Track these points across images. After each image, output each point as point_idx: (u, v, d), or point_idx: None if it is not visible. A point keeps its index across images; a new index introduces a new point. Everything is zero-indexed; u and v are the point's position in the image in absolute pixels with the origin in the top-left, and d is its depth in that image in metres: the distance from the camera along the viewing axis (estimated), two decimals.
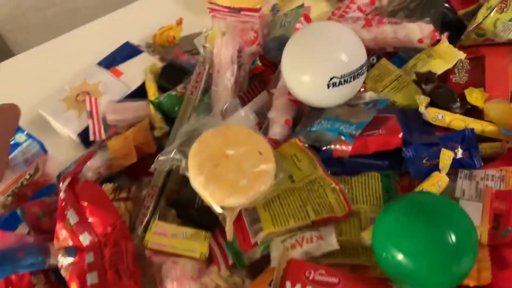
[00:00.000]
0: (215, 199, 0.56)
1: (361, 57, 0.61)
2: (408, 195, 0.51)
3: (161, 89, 0.79)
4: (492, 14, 0.66)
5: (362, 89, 0.68)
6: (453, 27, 0.74)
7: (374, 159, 0.62)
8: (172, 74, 0.80)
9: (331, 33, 0.61)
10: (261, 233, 0.56)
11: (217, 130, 0.59)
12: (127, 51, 0.81)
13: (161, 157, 0.58)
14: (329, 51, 0.59)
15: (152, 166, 0.59)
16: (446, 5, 0.75)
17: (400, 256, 0.46)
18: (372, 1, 0.84)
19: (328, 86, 0.59)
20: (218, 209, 0.55)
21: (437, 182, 0.56)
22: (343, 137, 0.57)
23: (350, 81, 0.59)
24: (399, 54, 0.75)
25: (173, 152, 0.57)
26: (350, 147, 0.57)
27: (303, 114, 0.68)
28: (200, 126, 0.60)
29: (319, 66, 0.59)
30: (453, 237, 0.46)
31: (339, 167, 0.62)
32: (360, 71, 0.60)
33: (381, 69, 0.70)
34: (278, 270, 0.51)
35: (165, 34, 0.90)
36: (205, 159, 0.57)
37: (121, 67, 0.79)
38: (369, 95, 0.68)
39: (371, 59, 0.73)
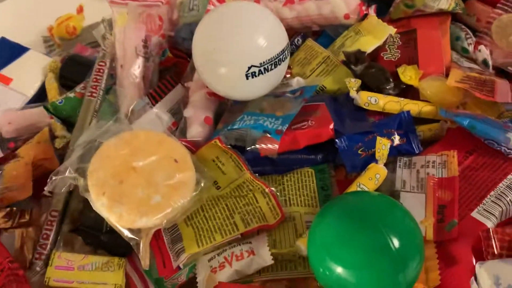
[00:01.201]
0: (123, 222, 0.47)
1: (282, 41, 0.53)
2: (342, 198, 0.45)
3: (67, 89, 0.69)
4: None
5: (288, 75, 0.62)
6: (381, 0, 0.69)
7: (307, 154, 0.55)
8: (75, 69, 0.69)
9: (245, 16, 0.53)
10: (183, 255, 0.48)
11: (121, 139, 0.50)
12: (7, 51, 0.68)
13: (54, 178, 0.49)
14: (244, 37, 0.51)
15: (46, 189, 0.49)
16: None
17: (339, 270, 0.40)
18: None
19: (247, 77, 0.51)
20: (127, 234, 0.47)
21: (374, 175, 0.50)
22: (268, 135, 0.50)
23: (271, 69, 0.52)
24: (326, 32, 0.69)
25: (68, 170, 0.48)
26: (277, 145, 0.50)
27: (225, 109, 0.61)
28: (101, 134, 0.50)
29: (234, 55, 0.51)
30: (396, 242, 0.40)
31: (269, 165, 0.55)
32: (281, 56, 0.52)
33: (307, 51, 0.63)
34: None
35: (63, 25, 0.78)
36: (107, 176, 0.48)
37: (7, 71, 0.67)
38: (297, 81, 0.60)
39: (295, 40, 0.66)
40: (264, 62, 0.51)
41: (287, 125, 0.51)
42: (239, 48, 0.51)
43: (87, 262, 0.50)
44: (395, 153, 0.54)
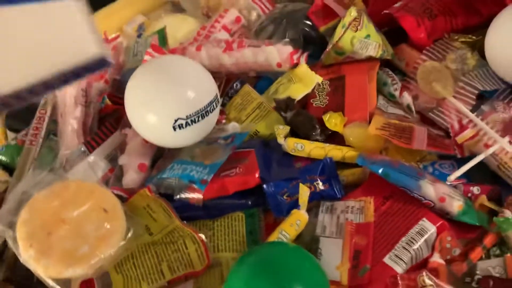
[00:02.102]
0: (50, 273, 0.48)
1: (209, 93, 0.56)
2: (257, 250, 0.47)
3: (15, 132, 0.70)
4: (347, 32, 0.64)
5: (224, 120, 0.64)
6: (317, 45, 0.72)
7: (238, 198, 0.58)
8: (23, 112, 0.71)
9: (174, 69, 0.56)
10: None
11: (51, 190, 0.52)
12: None
13: None
14: (171, 90, 0.54)
15: None
16: (308, 22, 0.73)
17: None
18: (238, 19, 0.80)
19: (174, 129, 0.54)
20: (53, 284, 0.48)
21: (295, 222, 0.53)
22: (194, 185, 0.53)
23: (198, 121, 0.54)
24: (267, 76, 0.73)
25: None
26: (201, 195, 0.52)
27: (162, 155, 0.63)
28: (34, 186, 0.52)
29: (162, 107, 0.54)
30: None
31: (202, 210, 0.57)
32: (209, 108, 0.55)
33: (244, 97, 0.66)
34: None
35: None
36: (35, 228, 0.49)
37: None
38: (232, 127, 0.63)
39: (234, 85, 0.70)
40: (191, 115, 0.54)
41: (212, 174, 0.54)
42: (166, 100, 0.54)
43: None
44: (318, 198, 0.56)
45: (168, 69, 0.56)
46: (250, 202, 0.58)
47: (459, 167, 0.58)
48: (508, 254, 0.48)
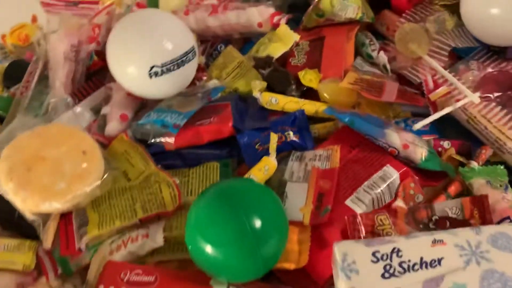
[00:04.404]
0: (27, 205, 0.51)
1: (185, 44, 0.58)
2: (216, 185, 0.49)
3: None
4: None
5: (205, 77, 0.67)
6: (302, 11, 0.74)
7: (214, 149, 0.60)
8: (17, 73, 0.75)
9: (150, 21, 0.58)
10: (85, 237, 0.53)
11: (33, 132, 0.55)
12: None
13: None
14: (146, 39, 0.56)
15: None
16: None
17: (207, 248, 0.45)
18: None
19: (150, 76, 0.56)
20: (30, 216, 0.51)
21: (264, 167, 0.54)
22: (166, 129, 0.55)
23: (173, 70, 0.57)
24: (253, 40, 0.75)
25: None
26: (173, 138, 0.55)
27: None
28: (18, 129, 0.56)
29: (138, 56, 0.56)
30: (256, 223, 0.44)
31: (179, 159, 0.60)
32: (184, 58, 0.58)
33: (226, 57, 0.68)
34: (90, 274, 0.48)
35: (16, 33, 0.85)
36: (16, 163, 0.52)
37: None
38: (213, 84, 0.66)
39: (218, 46, 0.72)
40: (166, 63, 0.57)
41: (186, 119, 0.56)
42: (142, 49, 0.56)
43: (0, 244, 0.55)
44: (289, 148, 0.58)
45: (144, 20, 0.58)
46: (225, 153, 0.60)
47: (432, 123, 0.59)
48: (465, 197, 0.49)
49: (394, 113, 0.62)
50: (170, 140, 0.55)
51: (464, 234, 0.43)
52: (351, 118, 0.54)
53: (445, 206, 0.48)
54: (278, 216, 0.46)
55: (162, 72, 0.56)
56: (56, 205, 0.52)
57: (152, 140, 0.56)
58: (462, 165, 0.56)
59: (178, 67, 0.57)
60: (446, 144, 0.58)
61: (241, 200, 0.45)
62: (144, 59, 0.56)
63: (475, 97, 0.55)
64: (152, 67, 0.56)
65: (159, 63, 0.56)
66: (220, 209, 0.45)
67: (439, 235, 0.43)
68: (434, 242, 0.43)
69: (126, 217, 0.54)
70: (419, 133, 0.58)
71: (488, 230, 0.43)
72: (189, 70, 0.59)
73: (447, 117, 0.60)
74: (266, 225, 0.45)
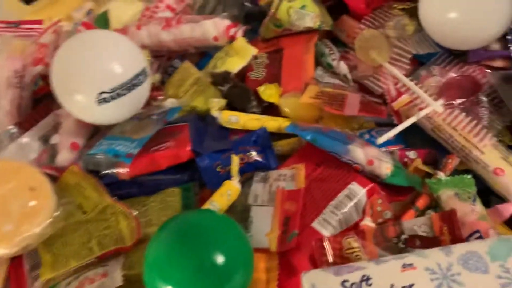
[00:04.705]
0: None
1: (135, 66, 0.55)
2: (173, 220, 0.46)
3: None
4: (283, 3, 0.64)
5: (160, 97, 0.64)
6: (259, 20, 0.71)
7: (173, 174, 0.57)
8: None
9: (95, 43, 0.54)
10: (38, 281, 0.49)
11: None
12: None
13: None
14: (92, 64, 0.53)
15: None
16: None
17: None
18: None
19: (99, 103, 0.53)
20: None
21: (226, 192, 0.52)
22: (119, 159, 0.52)
23: (124, 94, 0.53)
24: (210, 53, 0.72)
25: None
26: (127, 169, 0.52)
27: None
28: None
29: (84, 82, 0.52)
30: (219, 259, 0.42)
31: (136, 187, 0.56)
32: (135, 81, 0.54)
33: (182, 73, 0.65)
34: None
35: None
36: None
37: None
38: (170, 103, 0.63)
39: (174, 62, 0.69)
40: (115, 88, 0.53)
41: (139, 148, 0.53)
42: (88, 74, 0.53)
43: None
44: (252, 168, 0.56)
45: (89, 43, 0.55)
46: (186, 177, 0.57)
47: (397, 133, 0.58)
48: (433, 213, 0.48)
49: (358, 124, 0.60)
50: (123, 170, 0.51)
51: (434, 256, 0.41)
52: (314, 136, 0.52)
53: (414, 224, 0.46)
54: (241, 248, 0.44)
55: (112, 98, 0.53)
56: (2, 251, 0.48)
57: (105, 171, 0.53)
58: (430, 175, 0.55)
59: (129, 91, 0.54)
60: (411, 154, 0.56)
61: (200, 235, 0.42)
62: (91, 85, 0.52)
63: (437, 106, 0.54)
64: (100, 93, 0.52)
65: (107, 88, 0.52)
66: (179, 247, 0.42)
67: (409, 258, 0.42)
68: (404, 266, 0.41)
69: (81, 255, 0.50)
70: (385, 144, 0.57)
71: (459, 250, 0.41)
72: (141, 93, 0.56)
73: (413, 125, 0.58)
74: (229, 259, 0.42)
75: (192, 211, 0.49)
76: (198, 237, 0.42)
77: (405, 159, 0.56)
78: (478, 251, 0.41)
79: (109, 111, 0.54)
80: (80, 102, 0.53)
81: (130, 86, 0.54)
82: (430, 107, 0.54)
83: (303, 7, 0.64)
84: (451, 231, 0.46)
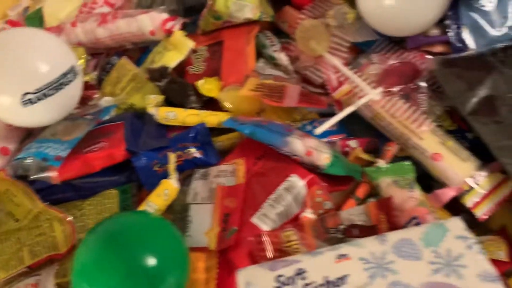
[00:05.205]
0: None
1: (63, 64, 0.52)
2: (102, 224, 0.44)
3: None
4: None
5: (96, 96, 0.61)
6: (199, 11, 0.69)
7: (110, 175, 0.55)
8: None
9: (18, 42, 0.51)
10: None
11: None
12: None
13: None
14: (15, 63, 0.50)
15: None
16: None
17: None
18: None
19: (24, 104, 0.50)
20: None
21: (163, 192, 0.50)
22: (47, 162, 0.49)
23: (51, 94, 0.51)
24: (150, 48, 0.70)
25: None
26: (56, 172, 0.49)
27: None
28: None
29: (6, 82, 0.49)
30: (152, 261, 0.40)
31: (72, 191, 0.54)
32: (64, 80, 0.52)
33: (119, 70, 0.63)
34: None
35: None
36: None
37: None
38: (106, 102, 0.60)
39: (111, 59, 0.66)
40: (40, 88, 0.50)
41: (69, 150, 0.50)
42: (12, 74, 0.50)
43: None
44: (192, 165, 0.54)
45: (12, 42, 0.51)
46: (123, 178, 0.55)
47: (339, 122, 0.57)
48: (370, 201, 0.47)
49: (300, 115, 0.59)
50: (53, 174, 0.49)
51: (369, 245, 0.41)
52: (252, 129, 0.51)
53: (351, 213, 0.46)
54: (174, 249, 0.42)
55: (38, 99, 0.50)
56: None
57: (35, 176, 0.50)
58: (371, 163, 0.54)
59: (57, 90, 0.51)
60: (353, 143, 0.56)
61: (129, 238, 0.40)
62: (14, 85, 0.49)
63: (375, 94, 0.54)
64: (24, 94, 0.49)
65: (32, 89, 0.49)
66: (106, 252, 0.40)
67: (344, 249, 0.41)
68: (339, 257, 0.40)
69: (10, 266, 0.48)
70: (327, 133, 0.56)
71: (393, 237, 0.41)
72: (71, 93, 0.53)
73: (354, 114, 0.58)
74: (161, 262, 0.41)
75: (120, 214, 0.47)
76: (126, 240, 0.40)
77: (347, 149, 0.56)
78: (412, 238, 0.41)
79: (36, 113, 0.51)
80: (4, 104, 0.50)
81: (57, 85, 0.51)
82: (368, 96, 0.53)
83: None
84: (388, 219, 0.45)
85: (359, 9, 0.61)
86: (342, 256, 0.40)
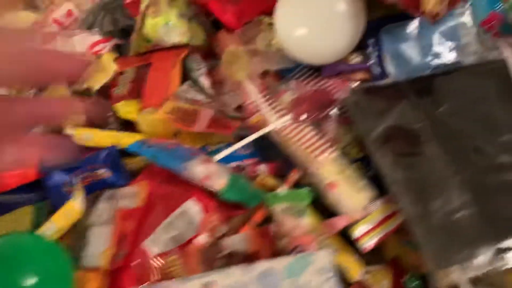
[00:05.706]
0: None
1: None
2: None
3: None
4: (147, 19, 0.64)
5: None
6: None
7: (25, 192, 0.57)
8: None
9: None
10: None
11: None
12: None
13: None
14: None
15: None
16: (126, 11, 0.72)
17: None
18: (69, 13, 0.79)
19: None
20: None
21: (65, 212, 0.52)
22: None
23: None
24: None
25: None
26: None
27: None
28: None
29: None
30: (30, 282, 0.42)
31: None
32: None
33: (50, 91, 0.65)
34: None
35: None
36: None
37: None
38: None
39: None
40: None
41: None
42: None
43: None
44: (101, 186, 0.56)
45: None
46: (38, 196, 0.57)
47: (253, 147, 0.59)
48: (253, 229, 0.48)
49: (218, 138, 0.61)
50: None
51: (237, 274, 0.42)
52: (154, 153, 0.53)
53: (234, 240, 0.48)
54: (57, 270, 0.44)
55: None
56: None
57: None
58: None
59: None
60: (262, 167, 0.57)
61: (8, 260, 0.43)
62: None
63: (279, 122, 0.55)
64: None
65: None
66: None
67: (213, 277, 0.43)
68: (206, 284, 0.42)
69: None
70: (241, 158, 0.58)
71: (259, 267, 0.43)
72: None
73: (269, 139, 0.59)
74: (41, 283, 0.43)
75: (4, 235, 0.49)
76: (5, 262, 0.43)
77: (256, 173, 0.57)
78: (277, 268, 0.42)
79: None
80: None
81: None
82: (272, 124, 0.55)
83: (167, 23, 0.64)
84: (269, 247, 0.47)
85: (277, 36, 0.62)
86: (209, 284, 0.42)
